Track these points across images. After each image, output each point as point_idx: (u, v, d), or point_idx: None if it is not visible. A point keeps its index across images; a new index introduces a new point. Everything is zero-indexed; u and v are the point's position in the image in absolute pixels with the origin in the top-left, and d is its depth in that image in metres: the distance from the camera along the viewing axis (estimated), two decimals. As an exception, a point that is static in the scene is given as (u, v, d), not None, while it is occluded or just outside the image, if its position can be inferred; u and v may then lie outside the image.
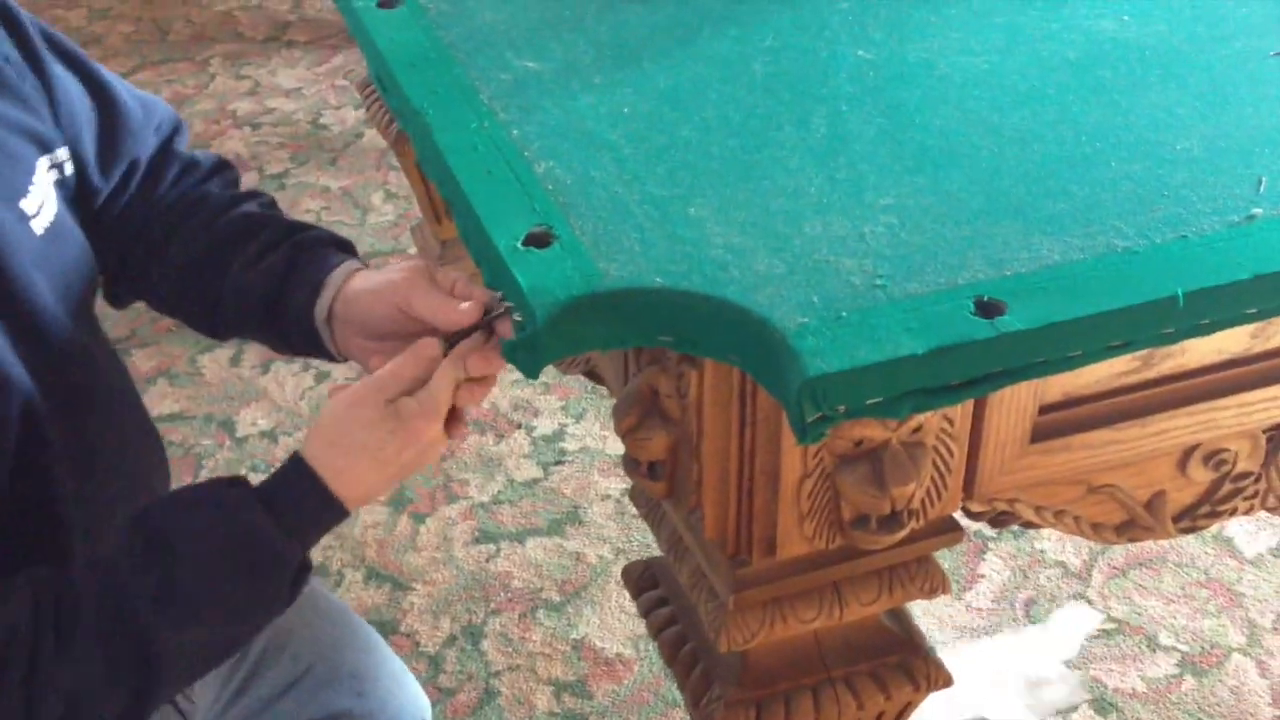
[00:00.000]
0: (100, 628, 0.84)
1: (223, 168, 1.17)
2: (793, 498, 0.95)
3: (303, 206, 2.41)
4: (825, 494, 0.94)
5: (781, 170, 0.98)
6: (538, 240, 0.90)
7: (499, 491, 1.79)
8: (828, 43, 1.15)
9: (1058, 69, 1.10)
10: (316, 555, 1.69)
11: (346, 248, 1.11)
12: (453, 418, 0.95)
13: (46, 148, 1.02)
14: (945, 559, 1.07)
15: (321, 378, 1.99)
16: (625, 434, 1.02)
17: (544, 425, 1.89)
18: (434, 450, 0.94)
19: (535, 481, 1.81)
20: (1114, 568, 1.71)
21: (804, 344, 0.79)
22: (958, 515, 1.02)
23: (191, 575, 0.86)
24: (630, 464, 1.04)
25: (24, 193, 0.97)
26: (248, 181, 2.49)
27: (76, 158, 1.05)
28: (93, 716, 0.85)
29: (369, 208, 2.40)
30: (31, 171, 0.99)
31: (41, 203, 0.99)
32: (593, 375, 1.30)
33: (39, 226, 0.98)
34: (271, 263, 1.07)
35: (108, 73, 1.11)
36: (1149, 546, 1.74)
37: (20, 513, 0.92)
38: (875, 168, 0.97)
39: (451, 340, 0.96)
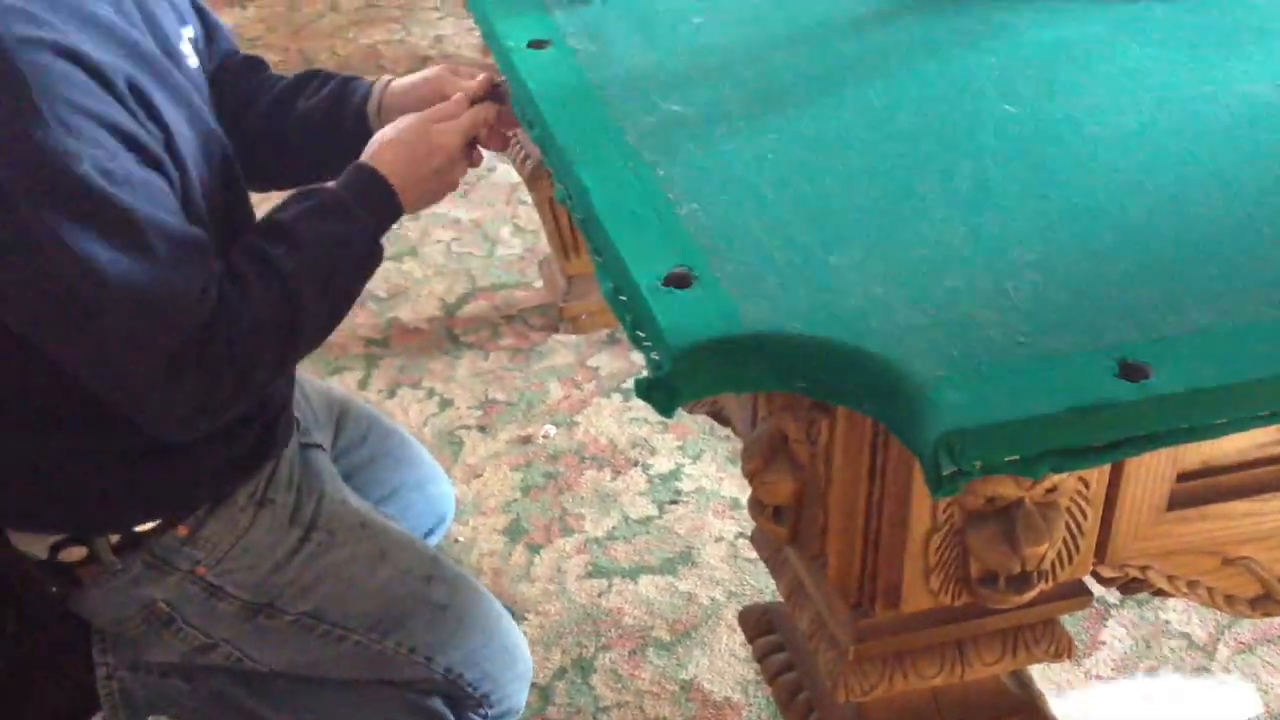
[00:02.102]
0: (259, 280, 1.17)
1: (264, 63, 1.50)
2: (920, 551, 0.94)
3: (434, 236, 2.45)
4: (953, 549, 0.93)
5: (924, 221, 0.97)
6: (678, 281, 0.91)
7: (613, 527, 1.80)
8: (974, 96, 1.15)
9: (1211, 132, 1.08)
10: (432, 579, 1.71)
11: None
12: (471, 150, 1.30)
13: (184, 21, 1.32)
14: (1066, 623, 1.05)
15: (445, 405, 2.02)
16: (752, 476, 1.02)
17: (660, 464, 1.90)
18: (456, 166, 1.28)
19: (650, 519, 1.81)
20: (1241, 643, 1.66)
21: (942, 397, 0.79)
22: (1087, 579, 1.00)
23: (310, 239, 1.20)
24: (755, 507, 1.04)
25: (180, 37, 1.29)
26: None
27: (197, 36, 1.36)
28: (261, 347, 1.17)
29: (498, 240, 2.44)
30: (180, 27, 1.30)
31: (189, 51, 1.30)
32: (718, 416, 1.31)
33: (191, 65, 1.30)
34: (330, 89, 1.41)
35: None
36: (1278, 623, 1.69)
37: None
38: (1020, 223, 0.97)
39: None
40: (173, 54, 1.25)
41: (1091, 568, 0.98)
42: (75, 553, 1.25)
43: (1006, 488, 0.88)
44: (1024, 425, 0.78)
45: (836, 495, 0.96)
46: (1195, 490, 0.97)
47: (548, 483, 1.88)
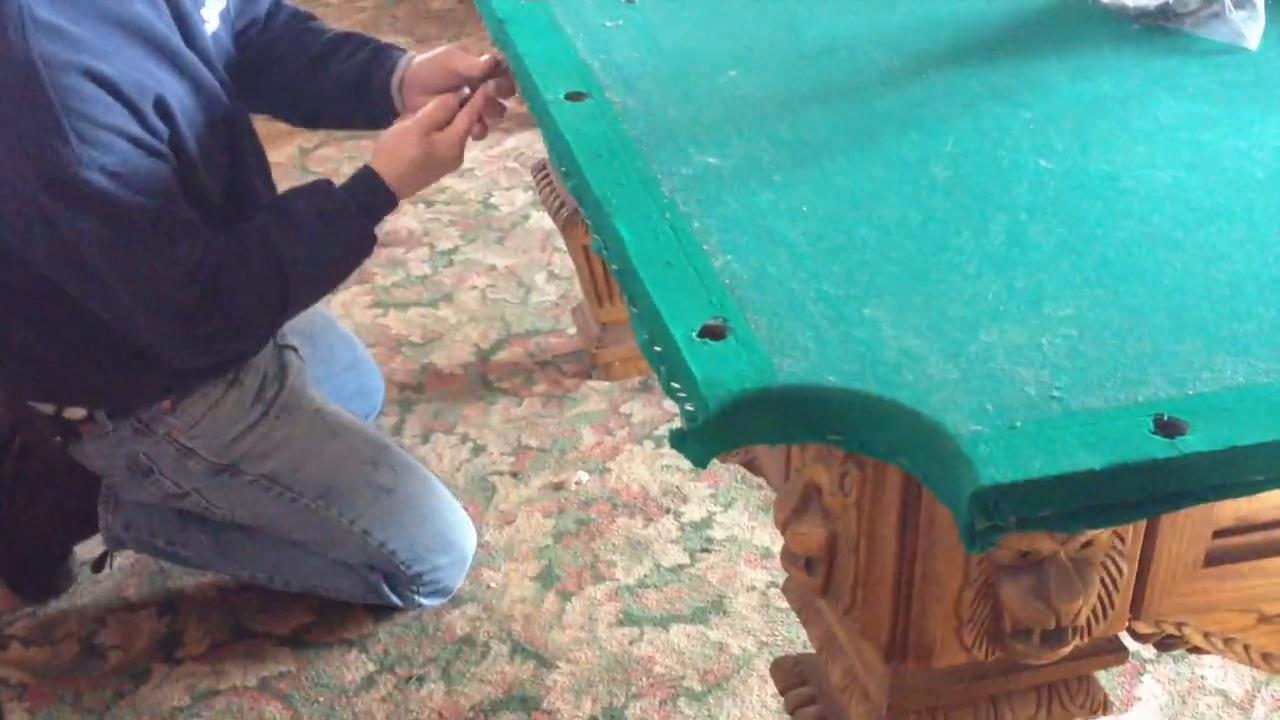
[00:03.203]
0: (256, 252, 1.44)
1: (309, 15, 1.75)
2: (953, 605, 0.94)
3: (469, 282, 2.47)
4: (986, 604, 0.93)
5: (959, 275, 0.98)
6: (713, 333, 0.92)
7: (645, 575, 1.80)
8: (1009, 150, 1.15)
9: (1246, 187, 1.08)
10: (465, 625, 1.72)
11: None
12: (463, 147, 1.55)
13: None
14: (1101, 678, 1.04)
15: (478, 451, 2.03)
16: (784, 527, 1.02)
17: (692, 512, 1.89)
18: (449, 166, 1.56)
19: (681, 568, 1.81)
20: (1279, 700, 1.64)
21: (977, 451, 0.79)
22: (1123, 635, 1.00)
23: (311, 233, 1.47)
24: (787, 557, 1.04)
25: (203, 3, 1.53)
26: (418, 257, 2.57)
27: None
28: (252, 312, 1.46)
29: (532, 287, 2.46)
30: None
31: (211, 18, 1.55)
32: (751, 466, 1.31)
33: (209, 30, 1.54)
34: (361, 57, 1.66)
35: None
36: (1317, 682, 1.67)
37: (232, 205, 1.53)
38: (1055, 278, 0.97)
39: (472, 89, 1.58)
40: (189, 27, 1.49)
41: (1127, 624, 0.97)
42: (76, 412, 1.57)
43: (1041, 542, 0.88)
44: (1059, 481, 0.78)
45: (868, 548, 0.96)
46: (1231, 547, 0.97)
47: (580, 529, 1.88)
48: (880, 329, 0.92)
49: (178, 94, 1.43)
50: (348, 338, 2.01)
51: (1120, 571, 0.92)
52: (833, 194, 1.10)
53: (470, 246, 2.60)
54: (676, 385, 0.91)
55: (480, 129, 1.59)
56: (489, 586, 1.79)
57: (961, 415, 0.82)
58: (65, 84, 1.29)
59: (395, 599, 1.71)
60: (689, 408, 0.89)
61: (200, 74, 1.47)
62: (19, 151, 1.32)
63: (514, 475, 1.99)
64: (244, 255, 1.44)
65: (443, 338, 2.33)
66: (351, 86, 1.66)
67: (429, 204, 2.75)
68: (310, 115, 1.78)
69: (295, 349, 1.73)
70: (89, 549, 1.81)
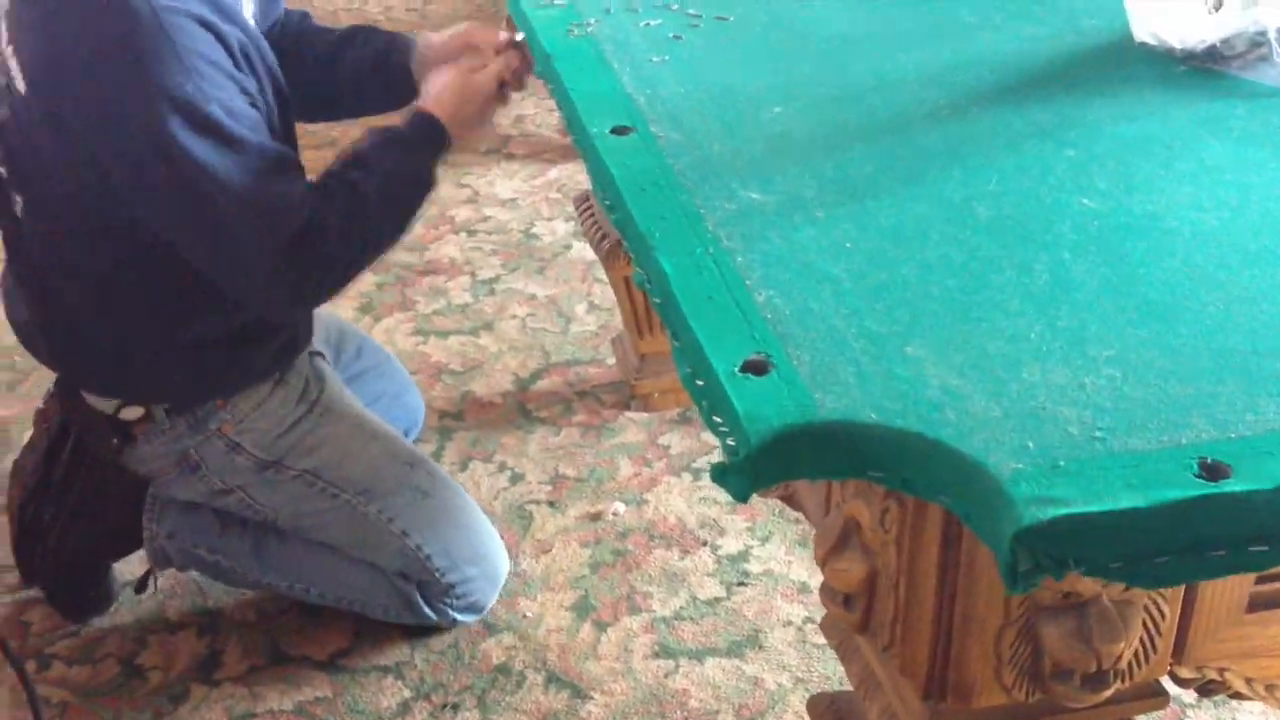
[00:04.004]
0: (338, 187, 1.53)
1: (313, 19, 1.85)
2: (992, 644, 0.94)
3: (509, 311, 2.49)
4: (1027, 644, 0.93)
5: (1001, 314, 0.98)
6: (755, 368, 0.92)
7: (681, 608, 1.80)
8: (1052, 189, 1.15)
9: (1291, 230, 1.08)
10: (501, 654, 1.72)
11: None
12: (501, 93, 1.64)
13: None
14: (1141, 722, 1.04)
15: (516, 480, 2.04)
16: (823, 563, 1.02)
17: (729, 545, 1.89)
18: (491, 104, 1.64)
19: (717, 601, 1.81)
20: (1321, 749, 1.62)
21: (1019, 491, 0.79)
22: (1164, 679, 0.99)
23: (384, 168, 1.55)
24: (826, 593, 1.04)
25: (243, 7, 1.59)
26: (459, 285, 2.59)
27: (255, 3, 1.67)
28: (346, 250, 1.53)
29: (572, 317, 2.47)
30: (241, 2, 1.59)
31: (250, 18, 1.61)
32: (790, 500, 1.31)
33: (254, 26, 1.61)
34: (377, 43, 1.77)
35: None
36: (1361, 730, 1.64)
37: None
38: (1097, 318, 0.97)
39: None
40: (245, 22, 1.58)
41: (1169, 668, 0.97)
42: (133, 412, 1.64)
43: (1083, 583, 0.87)
44: (1103, 520, 0.78)
45: (908, 585, 0.96)
46: (1274, 592, 0.96)
47: (616, 560, 1.89)
48: (922, 366, 0.92)
49: (261, 69, 1.56)
50: (392, 364, 2.05)
51: (1163, 615, 0.92)
52: (876, 231, 1.10)
53: (511, 276, 2.62)
54: (718, 419, 0.92)
55: (515, 81, 1.66)
56: (525, 616, 1.79)
57: (1004, 454, 0.82)
58: (182, 26, 1.41)
59: (428, 611, 1.73)
60: (730, 442, 0.89)
61: (268, 57, 1.59)
62: (145, 84, 1.40)
63: (551, 505, 2.00)
64: (331, 191, 1.53)
65: (482, 366, 2.34)
66: (371, 70, 1.75)
67: (471, 233, 2.78)
68: (331, 104, 1.84)
69: (323, 355, 1.81)
70: (130, 569, 1.83)
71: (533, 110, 3.29)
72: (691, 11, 1.56)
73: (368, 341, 2.03)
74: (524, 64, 1.64)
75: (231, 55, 1.48)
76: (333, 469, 1.69)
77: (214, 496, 1.71)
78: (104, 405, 1.64)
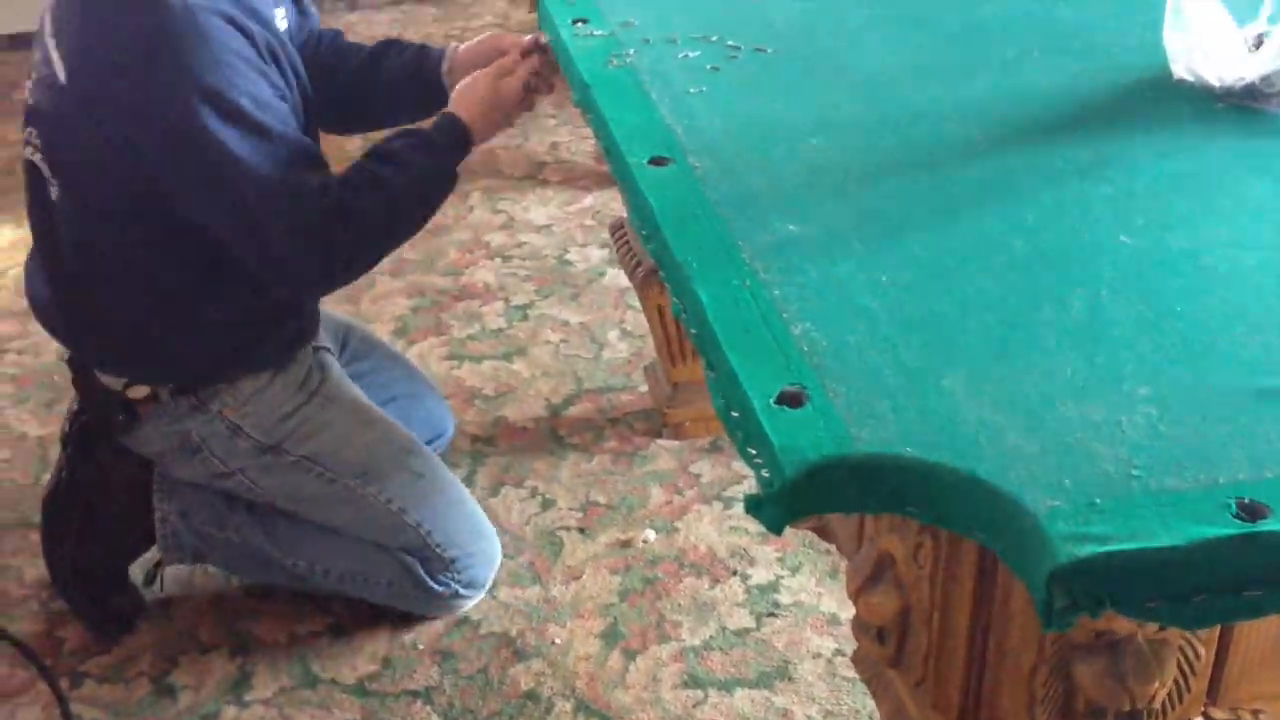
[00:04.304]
0: (363, 178, 1.62)
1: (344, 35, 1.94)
2: (1025, 681, 0.93)
3: (542, 337, 2.50)
4: (1060, 682, 0.92)
5: (1038, 350, 0.98)
6: (791, 400, 0.93)
7: (710, 637, 1.80)
8: (1090, 226, 1.15)
9: (1331, 269, 1.08)
10: (530, 680, 1.73)
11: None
12: (527, 96, 1.73)
13: (278, 3, 1.72)
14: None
15: (547, 505, 2.04)
16: (856, 596, 1.02)
17: (759, 575, 1.89)
18: (516, 106, 1.72)
19: (747, 631, 1.81)
20: (1357, 793, 1.60)
21: (1056, 528, 0.79)
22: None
23: (410, 164, 1.64)
24: (858, 626, 1.04)
25: (274, 16, 1.68)
26: (494, 310, 2.60)
27: (290, 16, 1.77)
28: (368, 235, 1.63)
29: (605, 344, 2.48)
30: (274, 8, 1.69)
31: (282, 24, 1.70)
32: (822, 532, 1.31)
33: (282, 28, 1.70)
34: (409, 54, 1.86)
35: None
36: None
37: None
38: (1134, 355, 0.97)
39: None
40: (272, 24, 1.67)
41: (1203, 708, 0.96)
42: (140, 391, 1.71)
43: (1119, 622, 0.87)
44: (1140, 559, 0.77)
45: (942, 620, 0.96)
46: (1312, 633, 0.95)
47: (646, 588, 1.89)
48: (958, 401, 0.92)
49: (287, 67, 1.65)
50: (410, 369, 2.13)
51: (1197, 655, 0.91)
52: (913, 265, 1.10)
53: (545, 302, 2.63)
54: (753, 451, 0.92)
55: (540, 84, 1.74)
56: (554, 642, 1.80)
57: (1040, 491, 0.82)
58: (213, 23, 1.50)
59: (432, 583, 1.78)
60: (765, 474, 0.89)
61: (294, 58, 1.68)
62: (176, 74, 1.49)
63: (582, 531, 2.00)
64: (356, 181, 1.61)
65: (515, 391, 2.35)
66: (405, 80, 1.85)
67: (505, 258, 2.79)
68: (365, 116, 1.94)
69: (329, 349, 1.90)
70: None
71: (567, 138, 3.31)
72: (730, 43, 1.57)
73: (379, 342, 2.12)
74: (548, 66, 1.72)
75: (259, 52, 1.57)
76: (330, 454, 1.76)
77: (216, 479, 1.77)
78: (112, 383, 1.72)
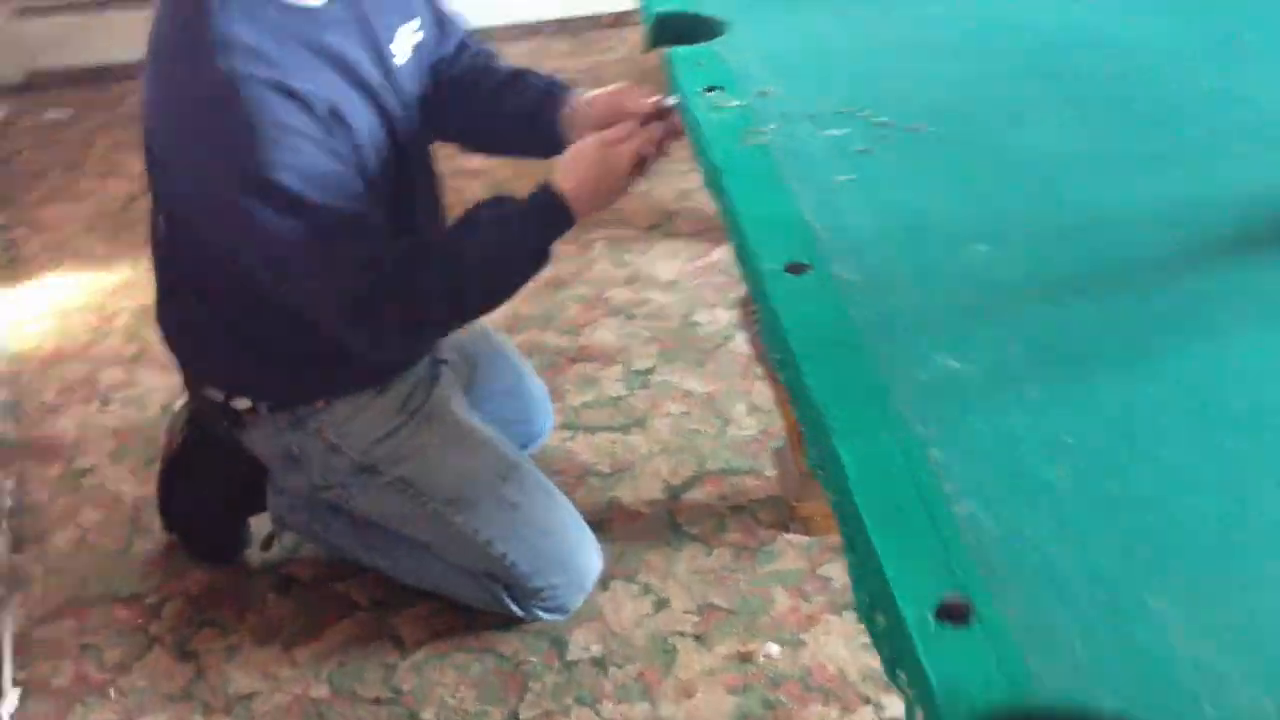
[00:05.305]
0: (435, 253, 1.58)
1: (490, 54, 1.88)
2: None
3: (663, 409, 2.33)
4: None
5: (1270, 552, 0.78)
6: (954, 613, 0.74)
7: (836, 771, 1.61)
8: (1325, 377, 0.94)
9: None
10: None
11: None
12: (638, 168, 1.61)
13: (409, 15, 1.71)
14: None
15: (660, 606, 1.87)
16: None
17: (896, 706, 1.69)
18: (623, 181, 1.61)
19: (878, 767, 1.62)
20: None
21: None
22: None
23: (493, 239, 1.59)
24: None
25: (395, 38, 1.66)
26: (612, 375, 2.44)
27: (426, 28, 1.76)
28: (426, 313, 1.59)
29: (730, 419, 2.30)
30: (402, 24, 1.69)
31: (402, 52, 1.68)
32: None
33: (398, 64, 1.67)
34: (534, 94, 1.78)
35: None
36: None
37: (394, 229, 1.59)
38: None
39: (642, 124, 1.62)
40: (383, 58, 1.63)
41: None
42: (242, 402, 1.76)
43: None
44: None
45: None
46: None
47: (767, 713, 1.70)
48: (1169, 629, 0.72)
49: (363, 117, 1.58)
50: (514, 364, 2.12)
51: None
52: (1101, 420, 0.91)
53: (668, 367, 2.46)
54: (902, 674, 0.74)
55: (656, 152, 1.63)
56: (662, 771, 1.62)
57: (1286, 779, 0.63)
58: (259, 97, 1.44)
59: (515, 608, 1.81)
60: (919, 713, 0.71)
61: (385, 102, 1.62)
62: (221, 157, 1.48)
63: (697, 638, 1.82)
64: (423, 256, 1.56)
65: (631, 468, 2.19)
66: (524, 121, 1.78)
67: (629, 317, 2.63)
68: (486, 145, 1.92)
69: (448, 363, 1.90)
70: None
71: (696, 185, 3.14)
72: (881, 119, 1.38)
73: (486, 333, 2.10)
74: (670, 133, 1.61)
75: (316, 117, 1.49)
76: (423, 478, 1.77)
77: (315, 490, 1.82)
78: (217, 396, 1.77)
